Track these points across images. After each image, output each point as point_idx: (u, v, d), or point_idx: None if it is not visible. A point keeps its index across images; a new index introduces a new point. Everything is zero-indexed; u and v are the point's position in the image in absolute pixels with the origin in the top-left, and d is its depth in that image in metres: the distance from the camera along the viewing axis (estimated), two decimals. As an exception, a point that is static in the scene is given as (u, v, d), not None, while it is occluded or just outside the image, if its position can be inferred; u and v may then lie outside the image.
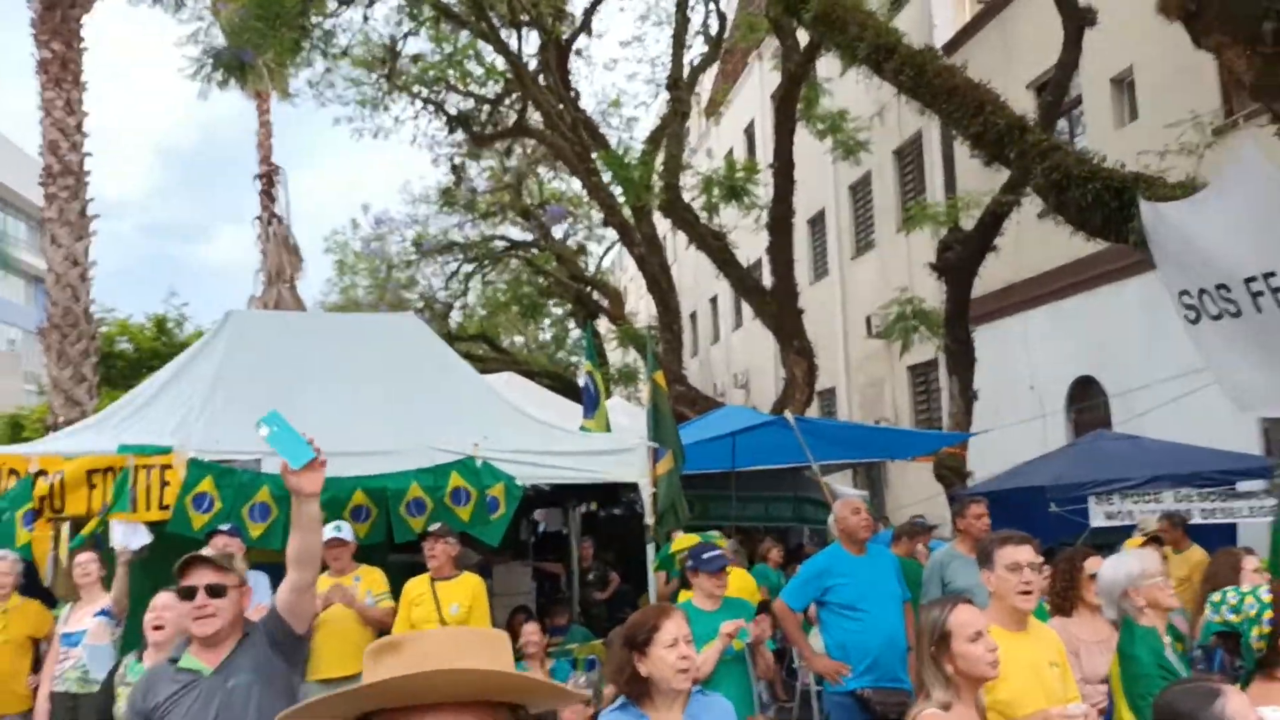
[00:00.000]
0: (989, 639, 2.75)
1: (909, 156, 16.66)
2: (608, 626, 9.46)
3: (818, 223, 20.55)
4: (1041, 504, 7.96)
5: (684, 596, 4.85)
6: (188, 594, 2.92)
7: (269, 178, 23.42)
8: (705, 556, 4.59)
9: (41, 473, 5.83)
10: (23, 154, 46.04)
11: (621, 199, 16.17)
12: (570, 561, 9.00)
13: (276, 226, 23.77)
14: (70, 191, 11.07)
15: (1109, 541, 6.68)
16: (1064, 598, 4.33)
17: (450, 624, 5.57)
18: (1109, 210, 6.56)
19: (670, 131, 16.42)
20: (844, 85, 15.48)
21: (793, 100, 13.39)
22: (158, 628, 3.94)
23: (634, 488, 6.74)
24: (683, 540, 6.38)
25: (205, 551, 3.20)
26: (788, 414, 9.06)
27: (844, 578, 5.08)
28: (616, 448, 6.63)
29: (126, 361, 17.35)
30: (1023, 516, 7.14)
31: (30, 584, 5.71)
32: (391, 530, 6.17)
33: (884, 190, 17.39)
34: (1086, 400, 11.83)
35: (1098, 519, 7.60)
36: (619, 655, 2.92)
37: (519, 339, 34.96)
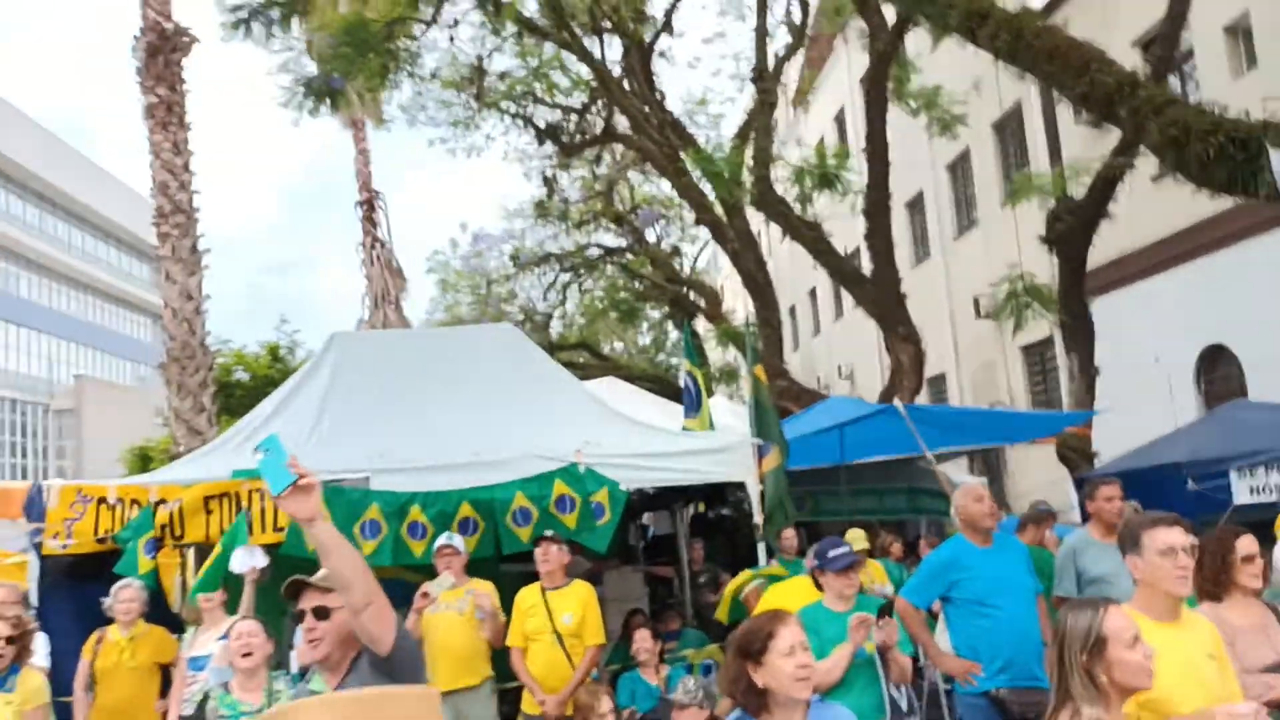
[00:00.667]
0: (1146, 644, 2.49)
1: (1009, 128, 16.01)
2: (721, 629, 9.35)
3: (916, 205, 19.96)
4: (1177, 482, 7.42)
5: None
6: (297, 618, 2.90)
7: (370, 204, 24.06)
8: (831, 555, 4.36)
9: (161, 501, 6.02)
10: (140, 197, 48.73)
11: (713, 197, 16.00)
12: (681, 564, 8.87)
13: (379, 250, 24.40)
14: (181, 229, 11.53)
15: (1257, 519, 6.17)
16: (1216, 582, 3.96)
17: (564, 633, 5.50)
18: (1234, 164, 6.09)
19: (758, 124, 16.14)
20: (936, 61, 14.96)
21: (883, 80, 12.99)
22: (246, 654, 3.97)
23: (741, 486, 6.57)
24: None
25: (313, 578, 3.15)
26: (897, 402, 8.73)
27: (970, 571, 4.77)
28: (719, 446, 6.48)
29: (244, 390, 18.06)
30: (1158, 496, 6.69)
31: (155, 611, 5.89)
32: (500, 543, 6.15)
33: (984, 166, 16.76)
34: (1217, 371, 11.08)
35: (1241, 495, 7.03)
36: (733, 665, 2.77)
37: (618, 345, 35.12)
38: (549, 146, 22.69)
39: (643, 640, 6.09)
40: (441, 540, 5.78)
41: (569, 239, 28.39)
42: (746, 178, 14.66)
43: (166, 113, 11.62)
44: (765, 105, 16.34)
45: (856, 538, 6.79)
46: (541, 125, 22.08)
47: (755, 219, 18.23)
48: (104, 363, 48.29)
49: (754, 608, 5.47)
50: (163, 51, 11.53)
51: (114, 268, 49.55)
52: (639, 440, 6.53)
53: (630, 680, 6.00)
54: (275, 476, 2.43)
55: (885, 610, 4.25)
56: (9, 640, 4.56)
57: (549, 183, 25.46)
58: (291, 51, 11.99)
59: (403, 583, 5.90)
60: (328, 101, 12.78)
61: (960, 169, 17.92)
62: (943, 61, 14.30)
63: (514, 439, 6.47)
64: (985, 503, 4.95)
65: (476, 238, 29.08)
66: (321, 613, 2.85)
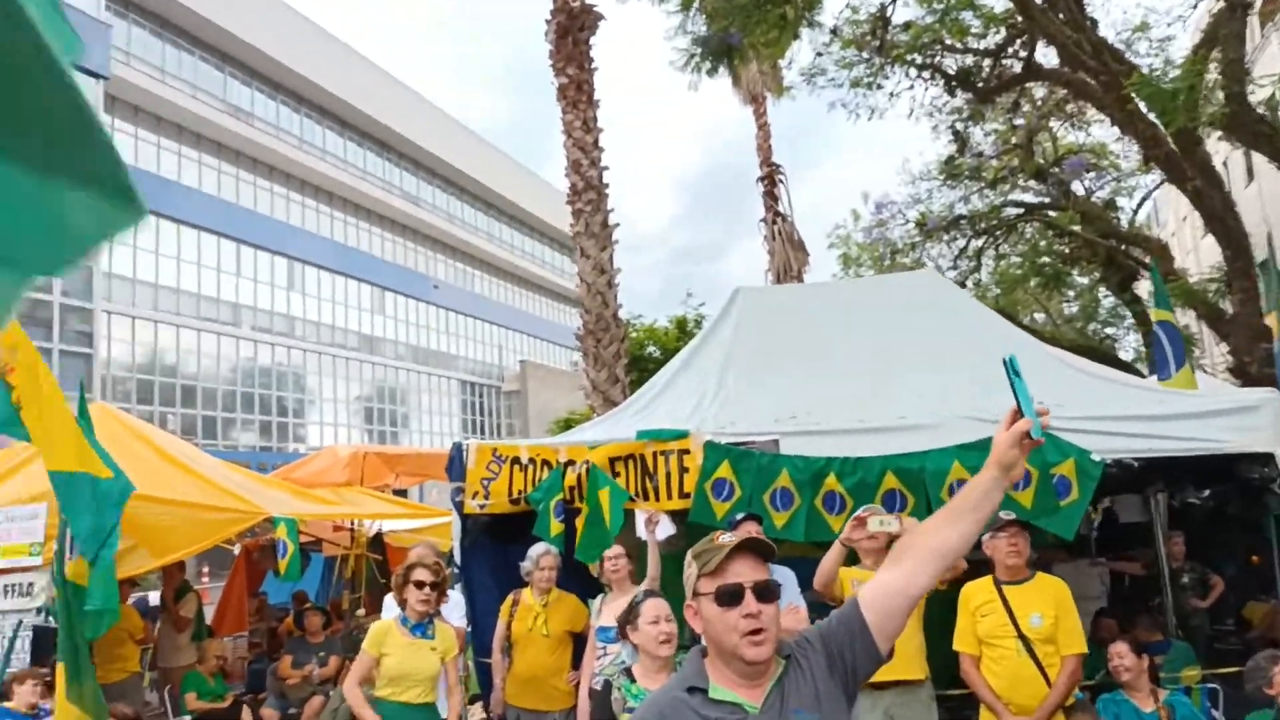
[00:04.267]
0: None
1: None
2: (1210, 643, 7.44)
3: None
4: None
5: None
6: (730, 597, 1.99)
7: (770, 178, 23.68)
8: None
9: (570, 463, 5.78)
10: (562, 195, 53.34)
11: (1166, 128, 13.34)
12: (1160, 560, 7.13)
13: (781, 224, 23.91)
14: (593, 205, 11.79)
15: None
16: None
17: (1032, 638, 4.32)
18: None
19: (1227, 31, 13.17)
20: None
21: None
22: (665, 641, 3.33)
23: (1264, 461, 4.89)
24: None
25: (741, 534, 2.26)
26: None
27: None
28: (1235, 406, 4.84)
29: (655, 364, 18.55)
30: None
31: (566, 576, 5.65)
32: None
33: None
34: None
35: None
36: None
37: (1039, 316, 31.76)
38: (959, 99, 20.78)
39: (1122, 655, 4.72)
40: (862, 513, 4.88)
41: (982, 200, 26.00)
42: (1212, 97, 11.96)
43: (576, 91, 11.95)
44: (1237, 8, 13.29)
45: None
46: (951, 72, 20.27)
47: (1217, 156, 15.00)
48: (543, 349, 53.78)
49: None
50: (571, 31, 11.86)
51: (547, 263, 54.90)
52: (1115, 399, 5.12)
53: (1113, 704, 4.68)
54: (1026, 402, 1.98)
55: None
56: (432, 586, 4.59)
57: (959, 138, 23.41)
58: (686, 12, 11.73)
59: (814, 562, 5.10)
60: (725, 60, 12.40)
61: None
62: None
63: (948, 398, 5.39)
64: None
65: (879, 206, 27.65)
66: (766, 591, 2.01)
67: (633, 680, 3.44)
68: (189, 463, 7.55)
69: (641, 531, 5.32)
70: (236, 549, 10.99)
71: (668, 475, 5.54)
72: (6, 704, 5.88)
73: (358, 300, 38.85)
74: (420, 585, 4.60)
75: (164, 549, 6.73)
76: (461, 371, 46.19)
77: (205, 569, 17.52)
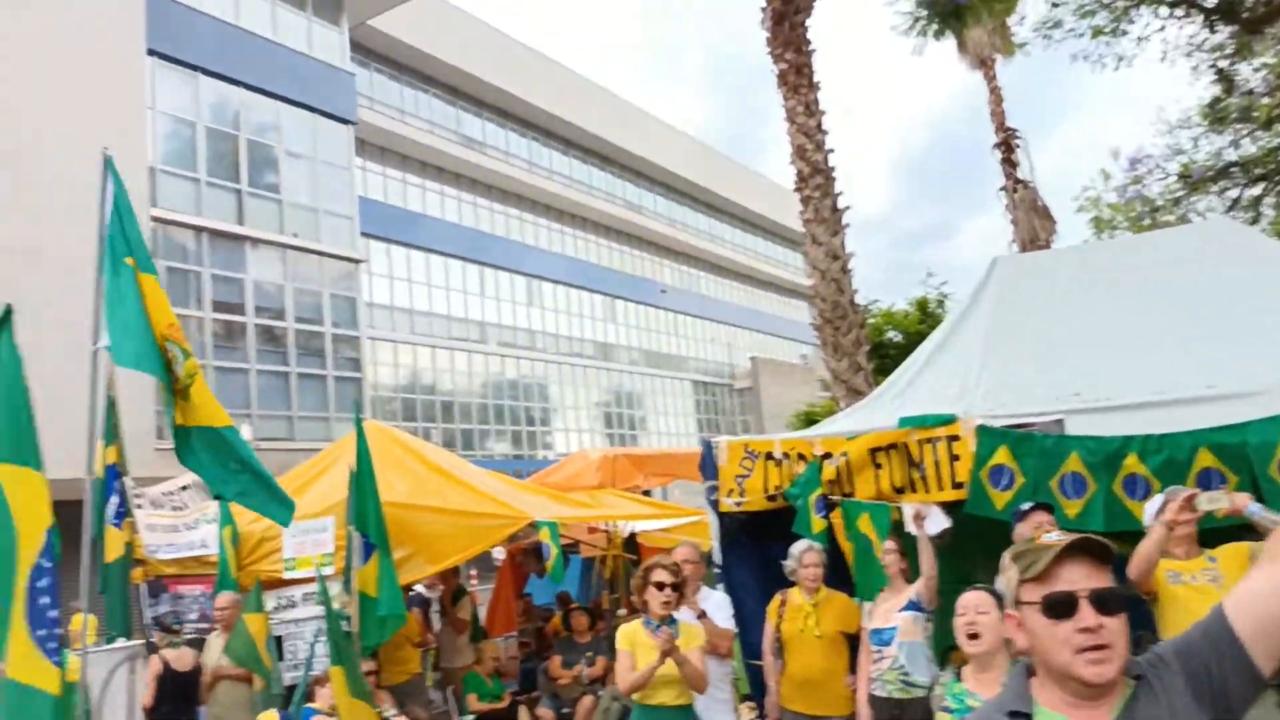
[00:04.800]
0: None
1: None
2: None
3: None
4: None
5: None
6: (1061, 607, 1.69)
7: (1007, 144, 22.16)
8: None
9: (827, 455, 5.51)
10: (779, 188, 52.63)
11: None
12: None
13: (1022, 191, 22.30)
14: (821, 190, 11.40)
15: None
16: None
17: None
18: None
19: None
20: None
21: None
22: (973, 636, 3.01)
23: None
24: None
25: (1051, 535, 1.90)
26: None
27: None
28: None
29: (896, 350, 17.74)
30: None
31: (834, 574, 5.38)
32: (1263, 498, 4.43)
33: None
34: None
35: None
36: None
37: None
38: (1221, 34, 18.55)
39: None
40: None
41: (1254, 143, 23.11)
42: None
43: (796, 76, 11.61)
44: None
45: None
46: (1210, 4, 18.13)
47: None
48: (773, 345, 53.40)
49: None
50: (787, 16, 11.53)
51: (771, 258, 54.47)
52: None
53: None
54: None
55: None
56: (672, 587, 4.54)
57: (1224, 77, 20.92)
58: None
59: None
60: (952, 23, 11.65)
61: None
62: None
63: (1267, 361, 4.66)
64: None
65: (1133, 161, 25.23)
66: (1109, 601, 1.70)
67: (959, 680, 3.16)
68: (455, 472, 7.91)
69: (911, 527, 4.97)
70: (501, 552, 11.50)
71: (936, 464, 5.14)
72: (311, 704, 6.36)
73: (591, 310, 40.17)
74: (660, 586, 4.54)
75: (439, 555, 7.07)
76: (693, 372, 46.68)
77: (473, 573, 18.57)
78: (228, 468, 5.02)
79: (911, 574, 4.94)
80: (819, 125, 11.67)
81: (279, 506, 5.24)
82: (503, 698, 8.35)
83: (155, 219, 20.01)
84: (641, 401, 42.67)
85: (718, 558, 5.94)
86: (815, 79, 11.82)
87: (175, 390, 4.92)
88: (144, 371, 4.78)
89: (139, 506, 7.51)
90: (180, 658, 6.91)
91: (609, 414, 40.30)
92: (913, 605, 4.85)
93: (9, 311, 3.77)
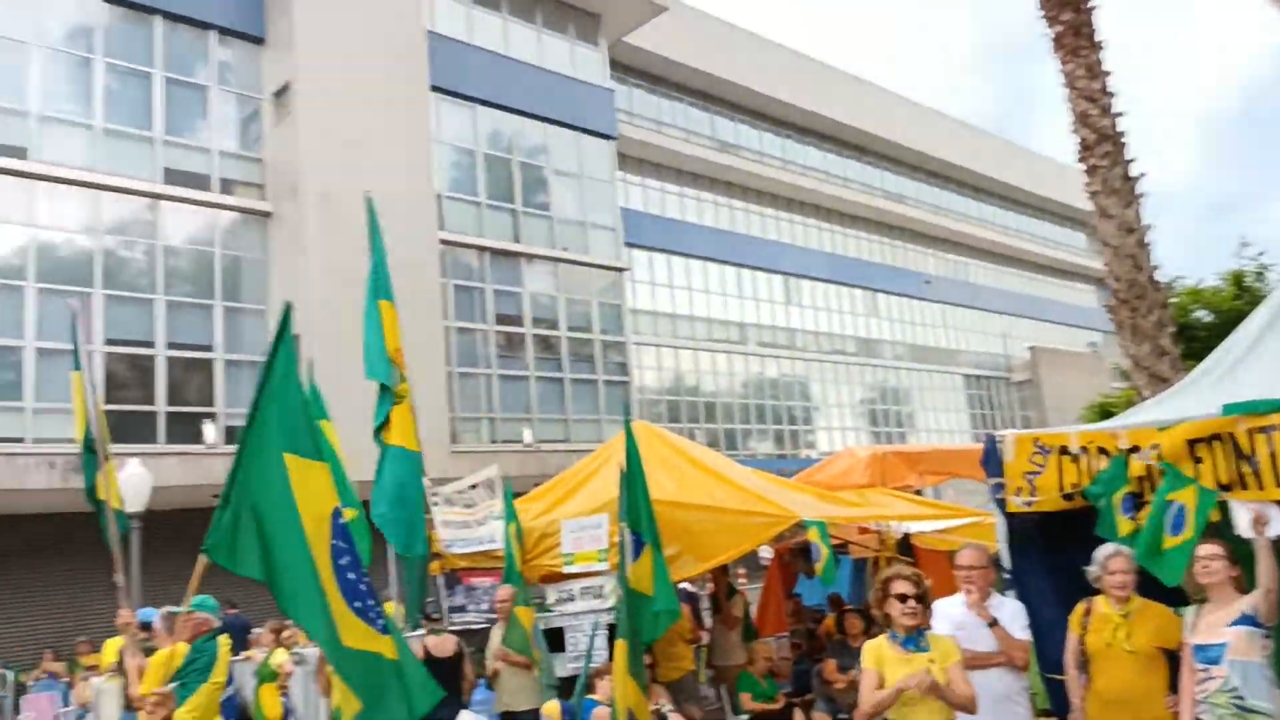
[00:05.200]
0: None
1: None
2: None
3: None
4: None
5: None
6: None
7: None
8: None
9: (1134, 449, 4.92)
10: (1056, 165, 48.70)
11: None
12: None
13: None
14: (1109, 158, 10.34)
15: None
16: None
17: None
18: None
19: None
20: None
21: None
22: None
23: None
24: None
25: None
26: None
27: None
28: None
29: (1205, 330, 15.80)
30: None
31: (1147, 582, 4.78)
32: None
33: None
34: None
35: None
36: None
37: None
38: None
39: None
40: None
41: None
42: None
43: (1074, 37, 10.60)
44: None
45: None
46: None
47: None
48: (1054, 333, 49.59)
49: None
50: (1061, -28, 10.58)
51: (1048, 240, 50.65)
52: None
53: None
54: None
55: None
56: (916, 598, 4.29)
57: None
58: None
59: None
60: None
61: None
62: None
63: None
64: None
65: None
66: None
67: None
68: (721, 470, 7.90)
69: (1245, 529, 4.32)
70: (768, 552, 11.38)
71: (1271, 457, 4.44)
72: (592, 695, 6.55)
73: (851, 305, 39.21)
74: (903, 598, 4.29)
75: (707, 553, 7.07)
76: (965, 366, 44.30)
77: (741, 571, 18.59)
78: (390, 488, 5.44)
79: (1247, 583, 4.30)
80: (1104, 88, 10.60)
81: (403, 536, 5.65)
82: (776, 698, 8.23)
83: (443, 241, 21.75)
84: (909, 397, 41.07)
85: (1005, 562, 5.48)
86: (1097, 38, 10.76)
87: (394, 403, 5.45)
88: (383, 382, 5.27)
89: (435, 504, 8.10)
90: (441, 644, 7.35)
91: (874, 411, 39.13)
92: (1246, 619, 4.22)
93: (289, 310, 4.07)
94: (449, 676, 7.06)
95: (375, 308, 5.62)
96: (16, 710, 12.73)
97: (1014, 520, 5.43)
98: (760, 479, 8.33)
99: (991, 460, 5.50)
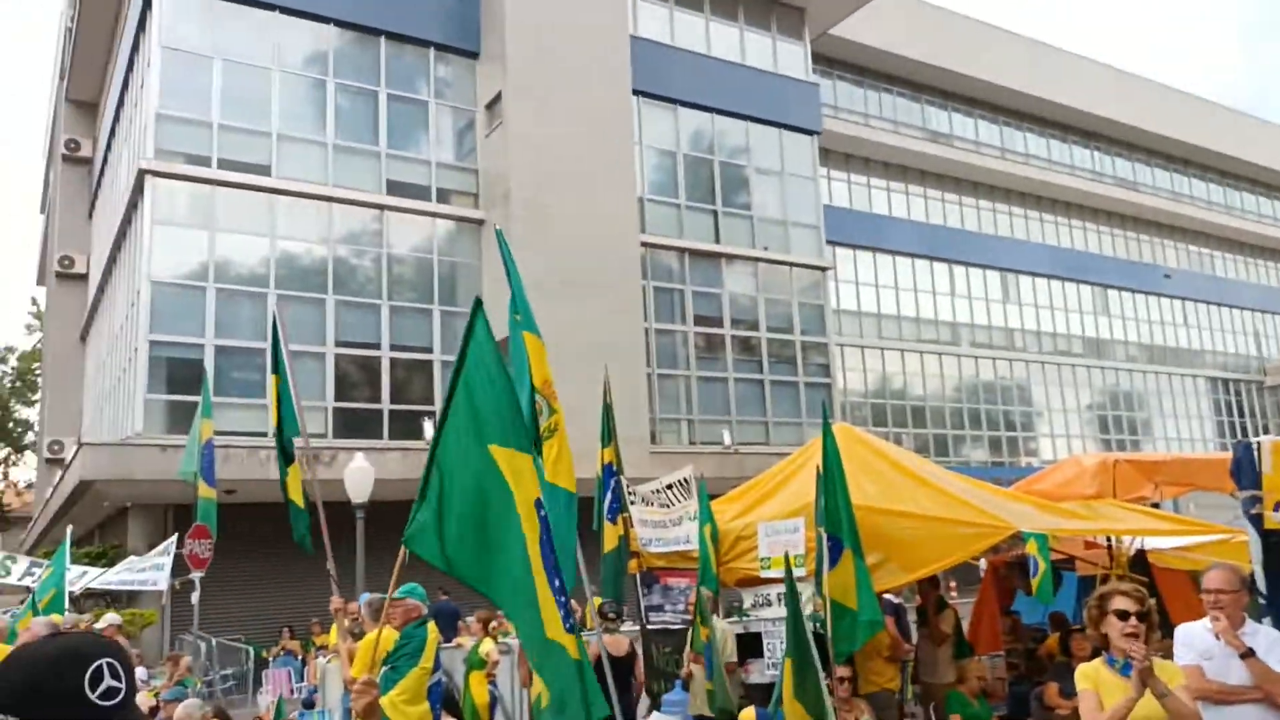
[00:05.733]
0: None
1: None
2: None
3: None
4: None
5: None
6: None
7: None
8: None
9: None
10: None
11: None
12: None
13: None
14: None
15: None
16: None
17: None
18: None
19: None
20: None
21: None
22: None
23: None
24: None
25: None
26: None
27: None
28: None
29: None
30: None
31: None
32: None
33: None
34: None
35: None
36: None
37: None
38: None
39: None
40: None
41: None
42: None
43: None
44: None
45: None
46: None
47: None
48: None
49: None
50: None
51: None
52: None
53: None
54: None
55: None
56: (1138, 616, 3.86)
57: None
58: None
59: None
60: None
61: None
62: None
63: None
64: None
65: None
66: None
67: None
68: (929, 477, 7.45)
69: None
70: (983, 564, 10.70)
71: None
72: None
73: (1078, 303, 36.54)
74: (1123, 615, 3.87)
75: (913, 563, 6.67)
76: (1209, 368, 40.29)
77: (952, 584, 17.67)
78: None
79: None
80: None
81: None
82: (990, 722, 7.68)
83: (644, 244, 22.04)
84: (1144, 402, 37.80)
85: (1261, 585, 4.81)
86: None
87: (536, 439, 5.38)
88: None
89: (632, 502, 8.11)
90: (616, 643, 7.31)
91: (1104, 418, 36.26)
92: None
93: (479, 303, 4.10)
94: (621, 674, 7.08)
95: (520, 341, 5.53)
96: (258, 683, 13.94)
97: (1271, 538, 4.76)
98: (972, 486, 7.79)
99: (1244, 470, 4.84)
